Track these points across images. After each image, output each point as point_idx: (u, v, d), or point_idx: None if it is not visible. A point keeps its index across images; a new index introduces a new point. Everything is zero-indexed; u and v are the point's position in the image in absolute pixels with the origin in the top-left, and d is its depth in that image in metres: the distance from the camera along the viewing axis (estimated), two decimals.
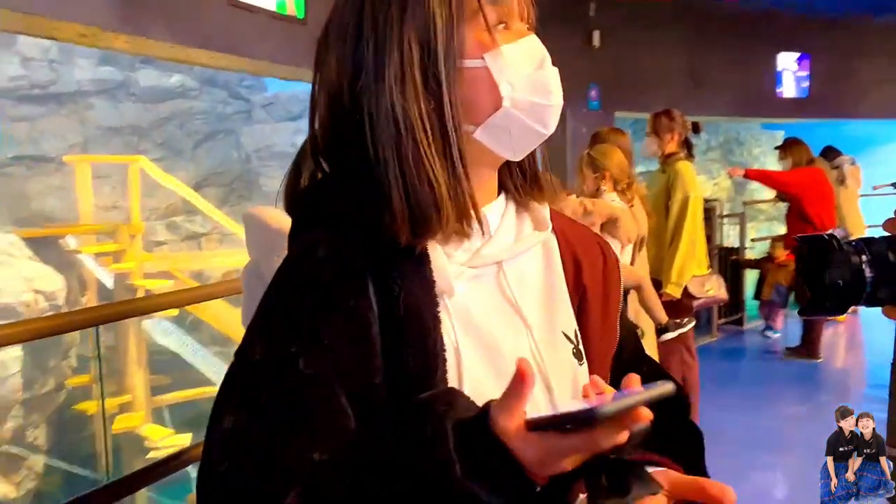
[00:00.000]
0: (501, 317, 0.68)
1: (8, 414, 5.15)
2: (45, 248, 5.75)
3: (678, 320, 3.01)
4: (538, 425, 0.49)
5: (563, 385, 0.69)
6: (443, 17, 0.62)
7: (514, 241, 0.70)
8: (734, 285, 5.83)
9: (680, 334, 3.46)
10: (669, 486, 0.58)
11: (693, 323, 3.09)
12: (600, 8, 5.56)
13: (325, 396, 0.58)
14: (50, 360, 5.35)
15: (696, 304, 3.45)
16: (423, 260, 0.63)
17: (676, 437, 0.73)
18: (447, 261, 0.65)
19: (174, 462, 1.62)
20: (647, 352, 2.65)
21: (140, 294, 5.29)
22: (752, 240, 6.62)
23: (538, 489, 0.52)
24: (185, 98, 7.09)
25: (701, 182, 9.91)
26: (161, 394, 5.34)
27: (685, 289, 3.35)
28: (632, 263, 2.99)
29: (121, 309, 1.51)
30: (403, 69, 0.62)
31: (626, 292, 2.77)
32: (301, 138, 0.71)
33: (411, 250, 0.63)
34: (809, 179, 4.69)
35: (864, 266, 0.66)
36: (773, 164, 5.14)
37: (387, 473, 0.54)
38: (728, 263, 5.77)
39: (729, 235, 6.34)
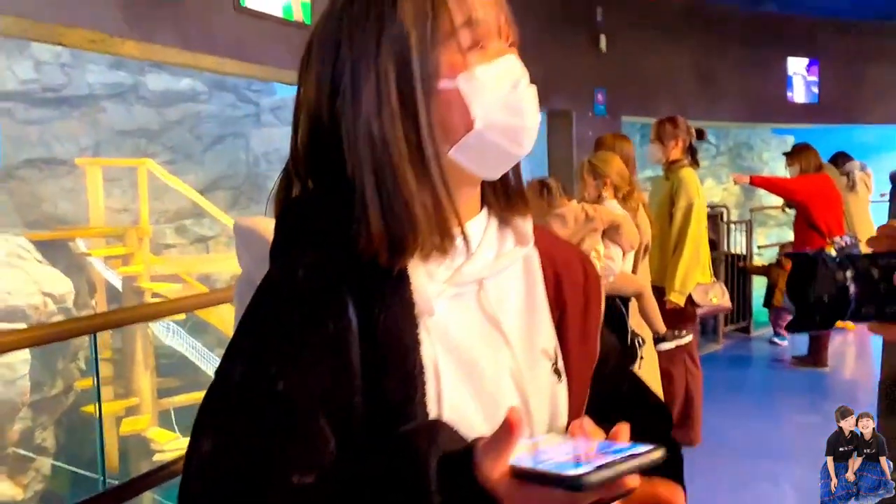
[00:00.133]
0: (482, 335, 0.67)
1: (16, 416, 5.20)
2: (55, 250, 5.80)
3: (677, 331, 3.00)
4: (522, 475, 0.50)
5: (541, 403, 0.69)
6: (417, 39, 0.62)
7: (496, 258, 0.70)
8: (741, 292, 5.79)
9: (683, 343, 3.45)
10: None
11: (691, 336, 3.07)
12: (607, 12, 5.55)
13: (304, 419, 0.58)
14: (58, 363, 5.40)
15: (699, 312, 3.43)
16: (404, 280, 0.63)
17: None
18: (427, 280, 0.65)
19: (178, 466, 1.63)
20: (649, 360, 2.63)
21: (147, 297, 5.33)
22: (760, 247, 6.58)
23: None
24: (194, 102, 7.15)
25: (710, 187, 9.89)
26: (168, 396, 5.38)
27: (689, 297, 3.34)
28: (634, 271, 2.99)
29: (117, 317, 1.53)
30: (379, 90, 0.62)
31: (627, 300, 2.76)
32: None
33: (391, 270, 0.62)
34: (816, 186, 4.65)
35: (848, 282, 0.66)
36: (783, 169, 5.10)
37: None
38: (735, 270, 5.74)
39: (738, 242, 6.31)
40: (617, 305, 2.65)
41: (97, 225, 5.81)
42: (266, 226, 0.71)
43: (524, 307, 0.72)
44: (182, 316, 4.60)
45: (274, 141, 7.94)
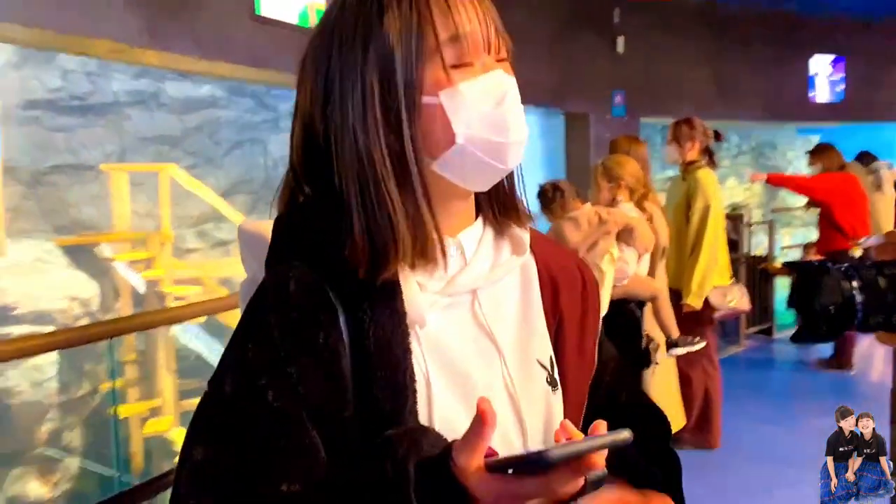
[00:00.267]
0: (475, 346, 0.68)
1: (45, 417, 5.32)
2: (81, 255, 5.93)
3: (690, 337, 2.97)
4: (497, 467, 0.50)
5: (536, 413, 0.69)
6: (402, 54, 0.62)
7: (491, 268, 0.70)
8: (763, 294, 5.71)
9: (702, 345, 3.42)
10: (620, 500, 0.59)
11: (703, 343, 3.04)
12: (625, 13, 5.51)
13: (293, 429, 0.59)
14: (85, 364, 5.51)
15: (717, 315, 3.40)
16: (395, 290, 0.63)
17: (655, 463, 0.73)
18: (419, 291, 0.65)
19: None
20: (666, 364, 2.60)
21: (170, 301, 5.42)
22: (783, 248, 6.48)
23: None
24: (214, 108, 7.24)
25: (731, 187, 9.73)
26: (190, 398, 5.46)
27: (706, 300, 3.31)
28: (651, 274, 2.97)
29: (132, 322, 1.56)
30: (365, 103, 0.63)
31: (643, 304, 2.75)
32: None
33: (379, 280, 0.63)
34: (837, 185, 4.56)
35: (854, 292, 0.66)
36: (807, 168, 5.03)
37: None
38: (757, 272, 5.66)
39: (761, 243, 6.22)
40: (631, 309, 2.64)
41: (122, 229, 5.92)
42: (267, 228, 0.72)
43: (520, 317, 0.72)
44: (202, 319, 4.67)
45: None
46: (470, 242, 0.70)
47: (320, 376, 0.61)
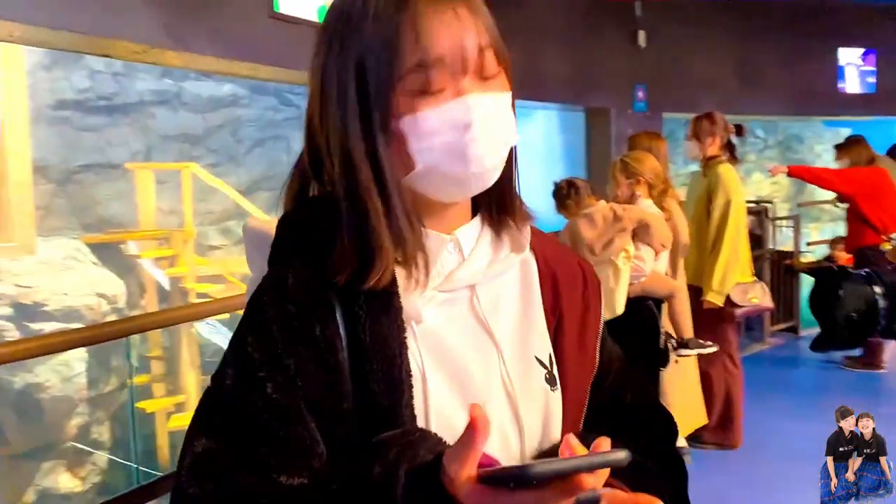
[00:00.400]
0: (472, 341, 0.68)
1: (74, 411, 5.45)
2: (108, 252, 6.06)
3: (703, 341, 2.93)
4: (487, 479, 0.49)
5: (534, 411, 0.69)
6: (374, 77, 0.62)
7: (489, 265, 0.70)
8: (788, 291, 5.61)
9: (722, 343, 3.37)
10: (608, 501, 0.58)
11: (715, 348, 2.99)
12: (646, 6, 5.44)
13: (292, 421, 0.60)
14: (112, 360, 5.63)
15: (738, 312, 3.35)
16: (391, 285, 0.64)
17: (658, 469, 0.73)
18: (415, 286, 0.66)
19: None
20: (686, 362, 2.57)
21: (192, 297, 5.51)
22: (810, 243, 6.35)
23: None
24: (236, 106, 7.33)
25: (757, 181, 9.55)
26: None
27: (727, 297, 3.26)
28: (672, 271, 2.94)
29: (140, 322, 1.59)
30: (346, 115, 0.64)
31: (661, 302, 2.72)
32: None
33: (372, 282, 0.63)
34: (864, 178, 4.43)
35: (878, 297, 0.64)
36: (835, 163, 4.91)
37: None
38: (782, 268, 5.56)
39: (788, 238, 6.10)
40: (648, 306, 2.61)
41: (147, 227, 6.04)
42: (275, 228, 0.72)
43: (519, 314, 0.72)
44: (227, 315, 4.75)
45: None
46: (467, 239, 0.70)
47: (317, 369, 0.62)
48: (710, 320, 3.29)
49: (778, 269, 5.52)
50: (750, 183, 9.38)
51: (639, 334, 2.49)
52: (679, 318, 2.81)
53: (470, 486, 0.50)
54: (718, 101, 5.03)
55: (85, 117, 6.70)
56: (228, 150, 7.30)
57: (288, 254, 0.67)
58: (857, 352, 4.86)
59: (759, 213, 5.57)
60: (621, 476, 0.67)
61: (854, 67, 6.71)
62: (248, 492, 0.58)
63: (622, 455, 0.48)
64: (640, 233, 2.53)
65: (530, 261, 0.74)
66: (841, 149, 4.68)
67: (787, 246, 6.03)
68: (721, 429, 3.47)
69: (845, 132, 7.13)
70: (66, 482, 5.41)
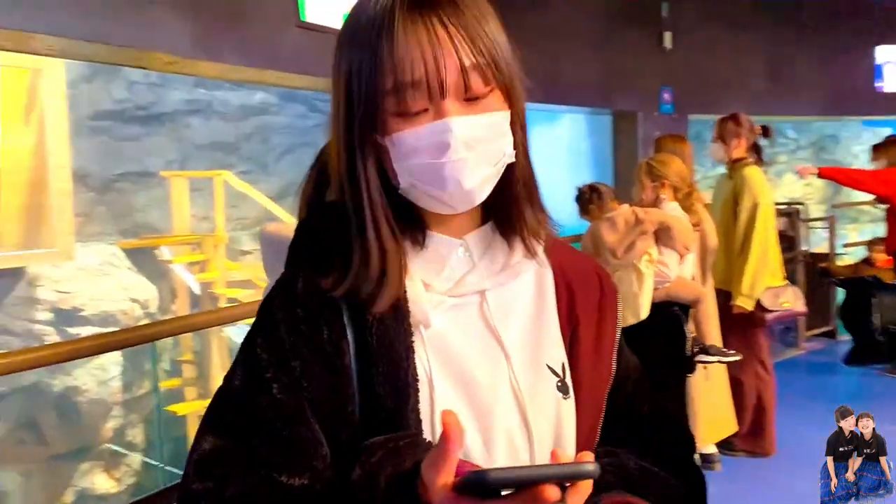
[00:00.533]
0: (480, 347, 0.68)
1: (109, 414, 5.59)
2: (142, 258, 6.22)
3: (725, 349, 2.87)
4: (460, 486, 0.49)
5: (544, 418, 0.69)
6: (359, 93, 0.64)
7: (501, 271, 0.70)
8: (824, 295, 5.47)
9: (753, 349, 3.31)
10: None
11: (738, 357, 2.93)
12: (673, 7, 5.38)
13: (295, 422, 0.62)
14: (145, 364, 5.76)
15: (769, 317, 3.28)
16: (400, 287, 0.65)
17: (676, 482, 0.72)
18: (423, 291, 0.67)
19: None
20: (715, 369, 2.52)
21: (222, 302, 5.61)
22: (846, 245, 6.18)
23: None
24: (267, 114, 7.47)
25: (789, 182, 9.32)
26: None
27: (758, 301, 3.20)
28: (703, 276, 2.90)
29: (167, 327, 1.64)
30: (341, 129, 0.66)
31: (688, 307, 2.68)
32: None
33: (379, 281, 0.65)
34: None
35: None
36: (871, 164, 4.77)
37: None
38: (816, 271, 5.42)
39: (823, 240, 5.95)
40: (674, 312, 2.58)
41: (182, 233, 6.18)
42: (292, 233, 0.75)
43: (531, 321, 0.72)
44: (251, 320, 4.83)
45: None
46: (478, 244, 0.70)
47: (323, 371, 0.63)
48: (741, 325, 3.23)
49: (812, 273, 5.39)
50: (781, 185, 9.17)
51: (664, 340, 2.46)
52: (703, 325, 2.76)
53: (444, 493, 0.49)
54: (747, 103, 4.94)
55: (123, 127, 6.88)
56: (260, 158, 7.43)
57: (302, 258, 0.69)
58: None
59: (791, 214, 5.45)
60: (635, 489, 0.67)
61: (893, 66, 6.53)
62: (248, 490, 0.60)
63: (591, 467, 0.47)
64: (663, 236, 2.50)
65: (545, 268, 0.74)
66: (878, 149, 4.56)
67: (823, 248, 5.89)
68: (753, 436, 3.40)
69: (885, 132, 6.94)
70: (102, 483, 5.55)
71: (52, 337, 5.38)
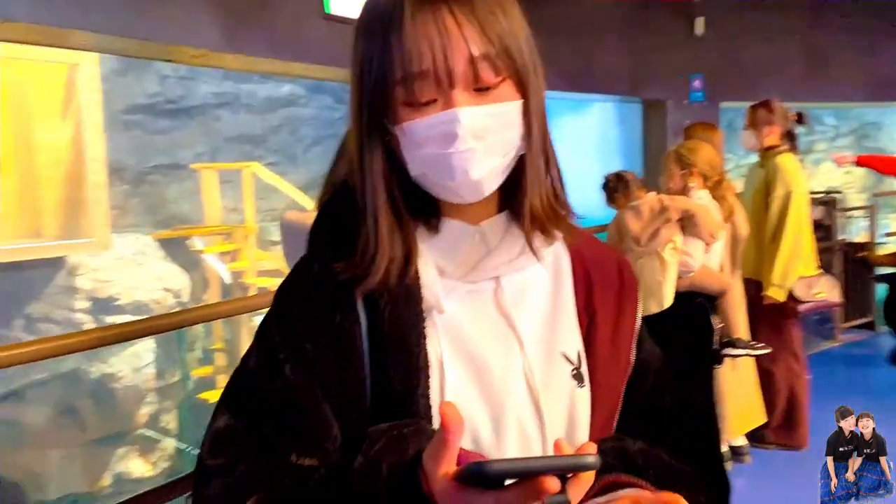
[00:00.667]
0: (494, 333, 0.68)
1: (143, 400, 5.74)
2: (174, 248, 6.36)
3: (754, 342, 2.80)
4: (461, 476, 0.49)
5: (557, 407, 0.68)
6: (371, 83, 0.64)
7: (516, 258, 0.70)
8: (862, 285, 5.32)
9: (785, 340, 3.24)
10: (633, 500, 0.57)
11: (767, 350, 2.86)
12: None
13: (306, 403, 0.63)
14: (178, 352, 5.90)
15: (802, 308, 3.20)
16: (414, 275, 0.66)
17: (697, 477, 0.71)
18: (437, 276, 0.67)
19: None
20: (743, 362, 2.45)
21: (252, 291, 5.71)
22: (888, 234, 6.00)
23: None
24: (295, 106, 7.54)
25: (828, 170, 9.05)
26: None
27: (790, 292, 3.12)
28: (732, 266, 2.84)
29: (171, 320, 1.67)
30: (355, 117, 0.66)
31: (715, 298, 2.63)
32: None
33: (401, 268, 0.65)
34: None
35: None
36: None
37: (327, 496, 0.59)
38: (855, 261, 5.27)
39: (862, 229, 5.78)
40: (700, 303, 2.53)
41: (213, 224, 6.30)
42: (311, 221, 0.75)
43: (547, 309, 0.71)
44: None
45: None
46: (493, 231, 0.70)
47: (334, 354, 0.64)
48: (772, 316, 3.16)
49: (850, 262, 5.24)
50: (819, 173, 8.93)
51: (688, 330, 2.42)
52: (730, 317, 2.70)
53: (445, 483, 0.49)
54: (783, 89, 4.81)
55: (155, 121, 7.01)
56: (288, 149, 7.52)
57: (319, 242, 0.70)
58: None
59: (828, 203, 5.30)
60: (635, 469, 0.66)
61: None
62: (258, 468, 0.61)
63: (591, 459, 0.47)
64: (688, 224, 2.45)
65: (563, 257, 0.74)
66: None
67: (862, 237, 5.72)
68: (785, 429, 3.33)
69: None
70: (138, 467, 5.71)
71: (90, 326, 5.54)
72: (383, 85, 0.62)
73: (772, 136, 3.14)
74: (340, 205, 0.71)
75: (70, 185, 5.63)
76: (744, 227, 2.91)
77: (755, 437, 3.27)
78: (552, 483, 0.46)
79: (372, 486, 0.55)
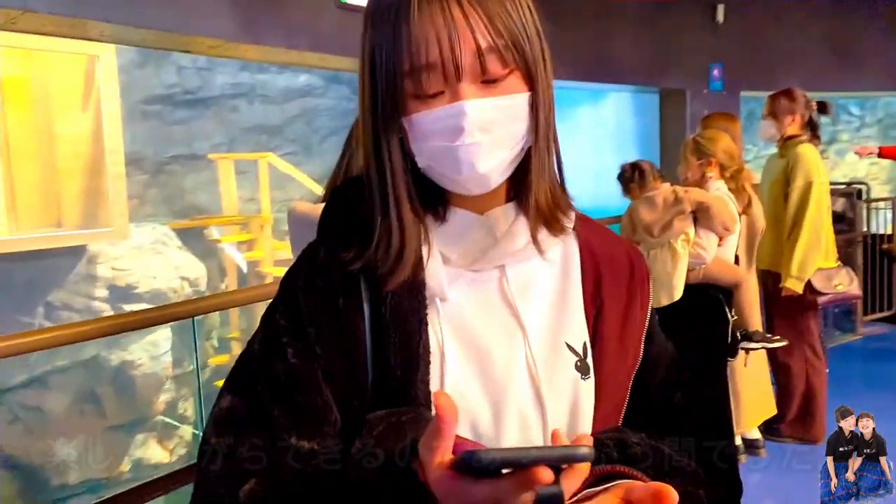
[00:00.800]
0: (497, 322, 0.68)
1: (161, 388, 5.82)
2: (191, 237, 6.42)
3: (769, 335, 2.76)
4: (456, 465, 0.49)
5: (560, 397, 0.68)
6: (381, 74, 0.63)
7: (522, 248, 0.69)
8: (885, 277, 5.23)
9: (803, 333, 3.19)
10: (626, 494, 0.56)
11: (784, 343, 2.81)
12: None
13: (307, 387, 0.63)
14: (193, 341, 5.97)
15: (821, 300, 3.14)
16: (418, 262, 0.66)
17: (710, 470, 0.70)
18: (442, 264, 0.67)
19: None
20: (756, 356, 2.40)
21: (269, 280, 5.75)
22: None
23: None
24: (311, 96, 7.55)
25: (853, 162, 8.89)
26: None
27: (808, 284, 3.07)
28: (749, 259, 2.80)
29: (178, 310, 1.68)
30: (366, 107, 0.66)
31: (730, 291, 2.59)
32: None
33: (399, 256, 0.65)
34: None
35: None
36: None
37: (325, 479, 0.59)
38: (878, 253, 5.18)
39: (886, 221, 5.67)
40: (714, 296, 2.50)
41: (229, 214, 6.35)
42: (320, 213, 0.75)
43: (553, 299, 0.71)
44: None
45: None
46: (500, 221, 0.69)
47: (336, 340, 0.64)
48: (790, 308, 3.11)
49: (873, 254, 5.15)
50: (843, 164, 8.76)
51: (701, 323, 2.39)
52: (745, 309, 2.66)
53: (440, 472, 0.49)
54: (806, 78, 4.72)
55: (173, 111, 7.07)
56: (305, 140, 7.54)
57: (328, 230, 0.70)
58: None
59: (851, 195, 5.20)
60: (653, 473, 0.65)
61: None
62: (259, 449, 0.62)
63: (585, 451, 0.46)
64: (701, 216, 2.41)
65: (572, 247, 0.73)
66: None
67: (887, 230, 5.62)
68: (801, 422, 3.29)
69: None
70: (156, 454, 5.80)
71: (108, 313, 5.62)
72: (392, 76, 0.62)
73: (793, 125, 3.08)
74: (350, 193, 0.71)
75: (90, 176, 5.70)
76: (761, 220, 2.87)
77: (770, 430, 3.23)
78: (545, 473, 0.45)
79: (368, 473, 0.55)
